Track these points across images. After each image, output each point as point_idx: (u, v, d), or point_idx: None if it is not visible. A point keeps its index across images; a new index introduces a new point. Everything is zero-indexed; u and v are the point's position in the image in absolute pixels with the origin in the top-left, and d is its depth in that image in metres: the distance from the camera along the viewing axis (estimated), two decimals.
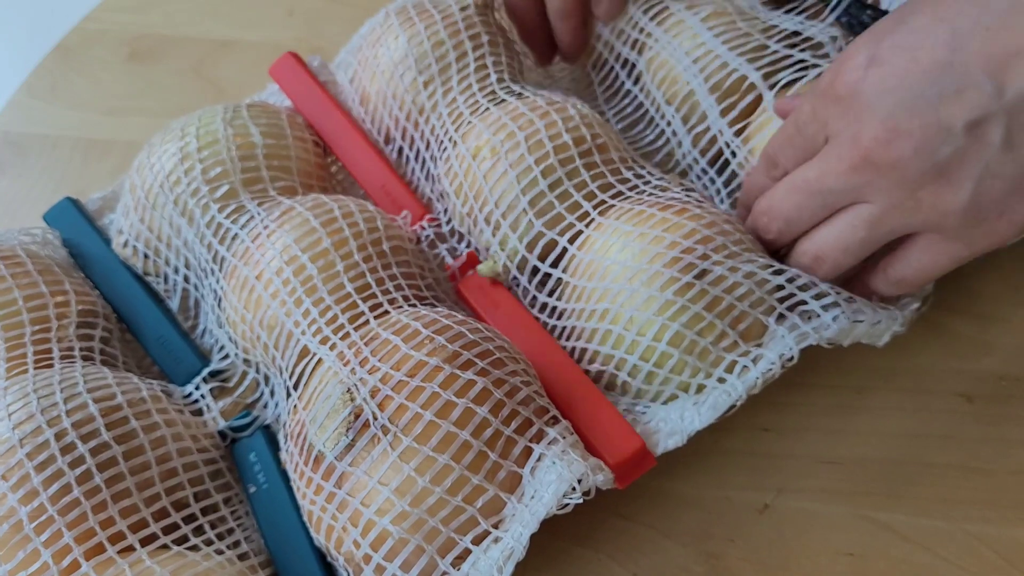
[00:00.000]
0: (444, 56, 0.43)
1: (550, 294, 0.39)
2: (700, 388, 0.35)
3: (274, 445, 0.37)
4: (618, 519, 0.37)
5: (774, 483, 0.37)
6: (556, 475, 0.30)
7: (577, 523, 0.35)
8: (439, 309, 0.36)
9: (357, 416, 0.31)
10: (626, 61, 0.46)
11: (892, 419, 0.38)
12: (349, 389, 0.32)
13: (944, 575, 0.34)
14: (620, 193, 0.39)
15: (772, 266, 0.36)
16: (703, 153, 0.43)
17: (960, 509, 0.36)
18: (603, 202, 0.38)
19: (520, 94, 0.42)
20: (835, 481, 0.37)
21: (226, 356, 0.40)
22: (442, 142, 0.43)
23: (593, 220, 0.38)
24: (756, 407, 0.38)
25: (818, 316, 0.35)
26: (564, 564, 0.36)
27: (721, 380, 0.34)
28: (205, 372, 0.40)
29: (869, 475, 0.37)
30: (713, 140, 0.43)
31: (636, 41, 0.45)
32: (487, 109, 0.42)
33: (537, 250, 0.39)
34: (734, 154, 0.42)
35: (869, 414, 0.38)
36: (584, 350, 0.37)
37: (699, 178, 0.44)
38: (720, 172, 0.43)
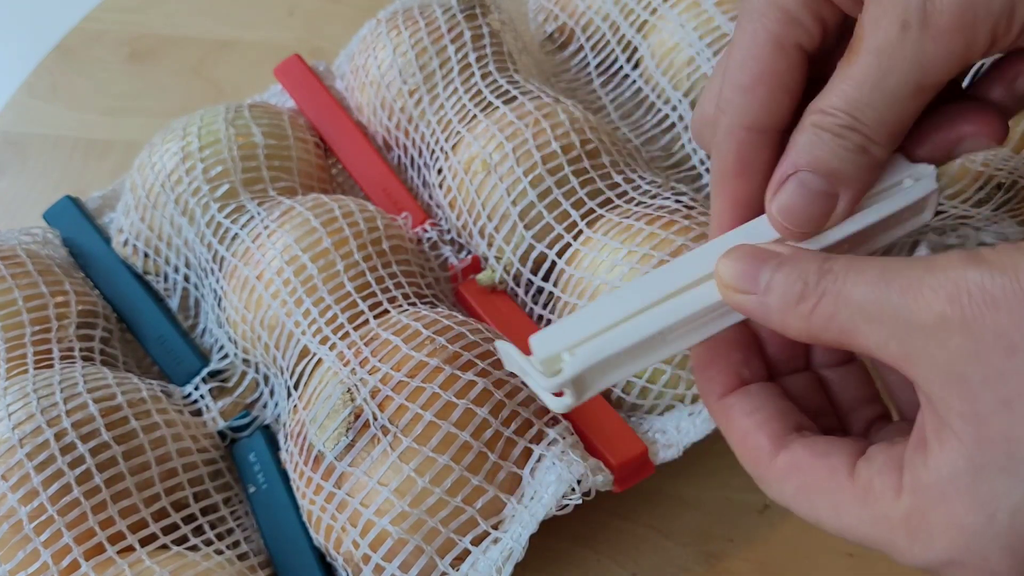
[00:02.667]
0: (427, 64, 0.43)
1: (543, 307, 0.39)
2: (695, 398, 0.35)
3: (274, 445, 0.37)
4: (618, 520, 0.37)
5: None
6: (555, 476, 0.30)
7: (577, 524, 0.35)
8: (439, 309, 0.36)
9: (357, 416, 0.31)
10: (628, 43, 0.46)
11: None
12: (349, 389, 0.32)
13: None
14: (609, 201, 0.39)
15: None
16: None
17: None
18: (592, 211, 0.38)
19: (511, 96, 0.42)
20: None
21: (225, 356, 0.40)
22: (434, 151, 0.43)
23: (582, 233, 0.38)
24: None
25: None
26: (564, 564, 0.36)
27: None
28: (204, 372, 0.40)
29: None
30: None
31: (645, 23, 0.45)
32: (475, 117, 0.41)
33: (529, 263, 0.39)
34: None
35: None
36: None
37: (703, 163, 0.44)
38: None
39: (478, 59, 0.43)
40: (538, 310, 0.39)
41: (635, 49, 0.46)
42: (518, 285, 0.39)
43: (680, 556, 0.36)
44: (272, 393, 0.39)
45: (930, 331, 0.18)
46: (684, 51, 0.43)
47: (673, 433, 0.34)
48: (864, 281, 0.20)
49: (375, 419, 0.31)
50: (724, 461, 0.38)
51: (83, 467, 0.32)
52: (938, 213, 0.39)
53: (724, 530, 0.36)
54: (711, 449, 0.38)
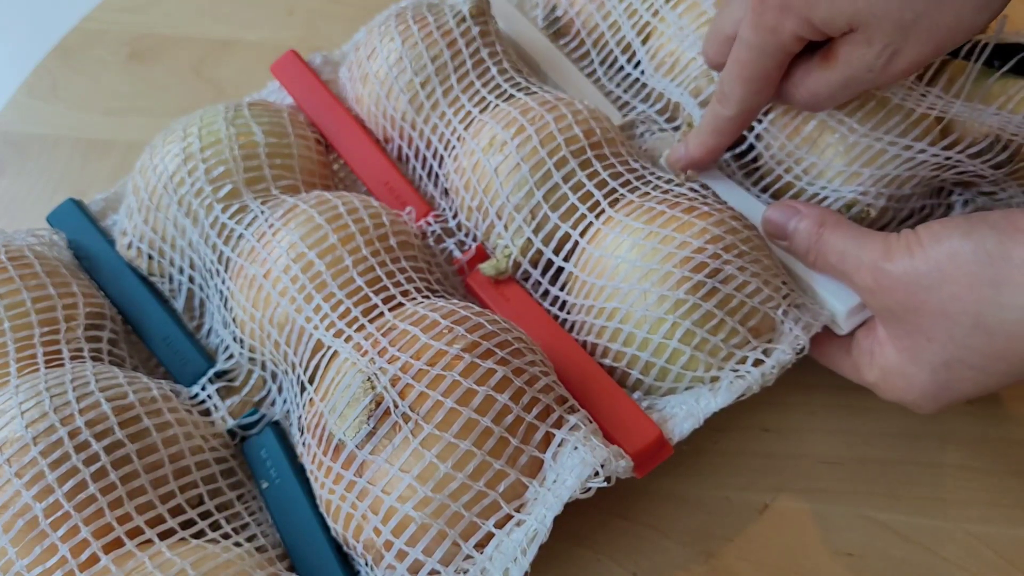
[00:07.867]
0: (439, 56, 0.43)
1: (561, 288, 0.39)
2: (714, 380, 0.35)
3: (284, 441, 0.37)
4: (618, 519, 0.37)
5: (774, 483, 0.37)
6: (579, 459, 0.30)
7: (577, 523, 0.35)
8: (455, 301, 0.36)
9: (378, 404, 0.31)
10: (628, 46, 0.46)
11: (892, 419, 0.38)
12: (369, 378, 0.32)
13: (944, 575, 0.34)
14: (629, 182, 0.39)
15: (777, 264, 0.37)
16: None
17: (960, 509, 0.36)
18: (613, 190, 0.39)
19: (527, 88, 0.43)
20: (835, 481, 0.37)
21: (231, 356, 0.40)
22: (448, 140, 0.43)
23: (604, 212, 0.38)
24: (756, 407, 0.38)
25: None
26: (564, 564, 0.36)
27: (734, 371, 0.35)
28: (211, 372, 0.40)
29: (869, 475, 0.37)
30: None
31: (646, 25, 0.45)
32: (496, 106, 0.42)
33: (553, 243, 0.39)
34: (760, 120, 0.41)
35: (869, 414, 0.38)
36: (595, 345, 0.37)
37: None
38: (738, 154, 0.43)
39: (490, 55, 0.44)
40: (554, 291, 0.39)
41: (634, 52, 0.46)
42: (534, 267, 0.39)
43: (680, 556, 0.36)
44: (280, 390, 0.40)
45: (864, 291, 0.34)
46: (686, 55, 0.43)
47: (693, 404, 0.34)
48: (833, 253, 0.34)
49: (396, 407, 0.31)
50: (724, 461, 0.38)
51: (98, 464, 0.32)
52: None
53: (724, 530, 0.36)
54: (712, 448, 0.38)
